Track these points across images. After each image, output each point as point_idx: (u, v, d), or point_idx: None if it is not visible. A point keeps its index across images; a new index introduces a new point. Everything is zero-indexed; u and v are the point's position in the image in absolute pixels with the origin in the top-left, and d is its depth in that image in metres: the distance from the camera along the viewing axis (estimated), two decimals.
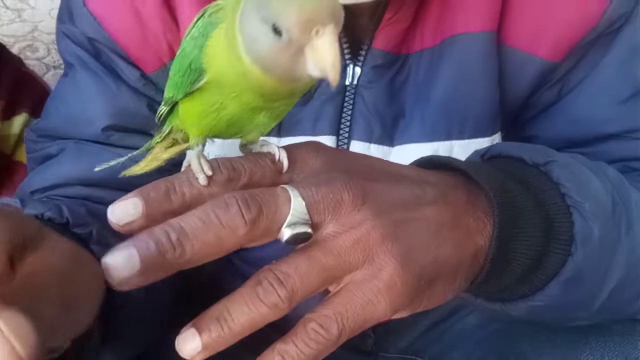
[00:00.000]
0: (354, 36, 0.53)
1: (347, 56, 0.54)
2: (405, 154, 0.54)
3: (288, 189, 0.31)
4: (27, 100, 0.77)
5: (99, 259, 0.29)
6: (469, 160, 0.43)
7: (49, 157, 0.57)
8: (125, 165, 0.41)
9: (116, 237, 0.45)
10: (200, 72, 0.32)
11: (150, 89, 0.55)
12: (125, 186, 0.53)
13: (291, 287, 0.29)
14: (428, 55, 0.53)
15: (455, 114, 0.54)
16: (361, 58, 0.54)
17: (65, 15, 0.57)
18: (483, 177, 0.36)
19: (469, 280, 0.35)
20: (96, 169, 0.42)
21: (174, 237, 0.28)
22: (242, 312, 0.29)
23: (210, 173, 0.31)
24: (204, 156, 0.32)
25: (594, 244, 0.37)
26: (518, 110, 0.58)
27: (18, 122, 0.76)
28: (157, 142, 0.40)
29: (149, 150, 0.41)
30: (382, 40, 0.53)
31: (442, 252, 0.33)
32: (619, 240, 0.39)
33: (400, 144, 0.55)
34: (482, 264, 0.35)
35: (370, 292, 0.30)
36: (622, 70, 0.54)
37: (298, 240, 0.30)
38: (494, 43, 0.53)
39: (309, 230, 0.30)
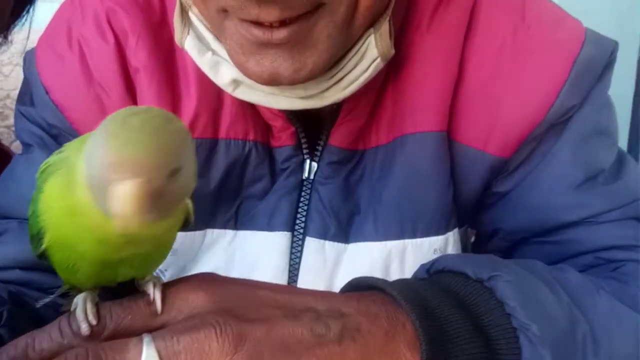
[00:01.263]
0: (311, 131, 0.55)
1: (304, 151, 0.55)
2: (360, 252, 0.54)
3: (144, 339, 0.29)
4: None
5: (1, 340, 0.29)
6: (413, 276, 0.42)
7: None
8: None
9: (28, 320, 0.45)
10: (40, 236, 0.31)
11: None
12: None
13: None
14: (382, 152, 0.55)
15: (408, 213, 0.54)
16: (318, 153, 0.55)
17: (27, 98, 0.58)
18: (410, 302, 0.34)
19: None
20: (38, 305, 0.39)
21: None
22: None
23: (84, 325, 0.30)
24: (88, 300, 0.31)
25: None
26: (475, 205, 0.59)
27: None
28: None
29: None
30: (338, 137, 0.54)
31: None
32: None
33: (355, 241, 0.55)
34: None
35: None
36: (574, 156, 0.54)
37: None
38: (444, 142, 0.54)
39: None
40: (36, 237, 0.31)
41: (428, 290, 0.37)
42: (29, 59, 0.57)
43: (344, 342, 0.31)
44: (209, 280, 0.34)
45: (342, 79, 0.48)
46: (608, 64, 0.55)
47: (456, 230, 0.57)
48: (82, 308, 0.31)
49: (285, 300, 0.33)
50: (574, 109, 0.54)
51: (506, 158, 0.55)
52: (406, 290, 0.36)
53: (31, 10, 0.77)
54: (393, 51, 0.49)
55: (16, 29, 0.77)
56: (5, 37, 0.77)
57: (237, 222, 0.55)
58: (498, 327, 0.35)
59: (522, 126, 0.54)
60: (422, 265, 0.42)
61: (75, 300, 0.32)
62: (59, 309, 0.38)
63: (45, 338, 0.31)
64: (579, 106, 0.54)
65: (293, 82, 0.44)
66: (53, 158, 0.32)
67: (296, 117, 0.54)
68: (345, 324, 0.32)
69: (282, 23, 0.41)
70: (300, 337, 0.31)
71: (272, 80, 0.44)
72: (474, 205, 0.59)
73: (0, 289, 0.49)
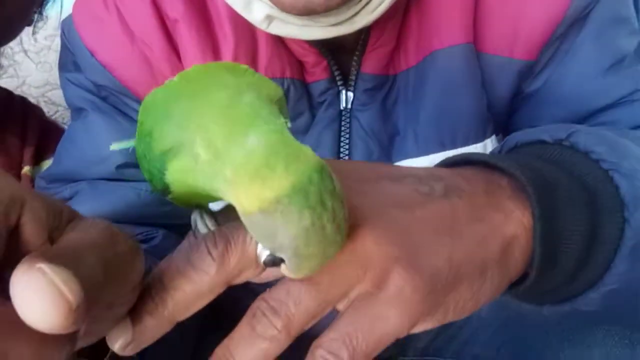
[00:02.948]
0: (342, 62, 0.56)
1: (339, 82, 0.57)
2: None
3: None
4: (53, 145, 0.81)
5: None
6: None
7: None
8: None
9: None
10: (166, 189, 0.29)
11: None
12: (146, 219, 0.57)
13: (285, 314, 0.27)
14: (413, 73, 0.56)
15: (445, 126, 0.56)
16: (352, 83, 0.57)
17: (70, 65, 0.60)
18: (505, 162, 0.33)
19: (506, 278, 0.31)
20: (111, 147, 0.37)
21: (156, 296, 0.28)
22: (243, 352, 0.28)
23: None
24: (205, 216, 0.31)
25: None
26: (507, 111, 0.61)
27: (47, 166, 0.81)
28: None
29: None
30: (370, 64, 0.56)
31: (457, 250, 0.29)
32: None
33: (398, 160, 0.58)
34: (522, 256, 0.31)
35: (377, 305, 0.27)
36: (598, 44, 0.55)
37: (277, 260, 0.27)
38: (472, 53, 0.55)
39: None
40: (159, 186, 0.30)
41: (512, 156, 0.37)
42: (68, 26, 0.58)
43: (451, 198, 0.31)
44: None
45: (369, 1, 0.49)
46: None
47: (493, 137, 0.59)
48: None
49: (381, 171, 0.33)
50: (592, 3, 0.54)
51: (532, 61, 0.56)
52: (494, 157, 0.35)
53: None
54: None
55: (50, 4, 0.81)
56: (41, 13, 0.80)
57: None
58: (588, 174, 0.34)
59: (545, 28, 0.55)
60: (492, 151, 0.42)
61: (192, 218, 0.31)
62: None
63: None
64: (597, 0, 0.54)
65: (327, 8, 0.45)
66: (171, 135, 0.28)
67: (327, 50, 0.55)
68: (447, 184, 0.32)
69: None
70: (409, 195, 0.31)
71: (307, 10, 0.44)
72: (507, 111, 0.60)
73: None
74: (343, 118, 0.58)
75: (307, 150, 0.26)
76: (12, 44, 0.79)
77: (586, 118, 0.57)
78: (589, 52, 0.55)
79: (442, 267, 0.29)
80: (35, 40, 0.91)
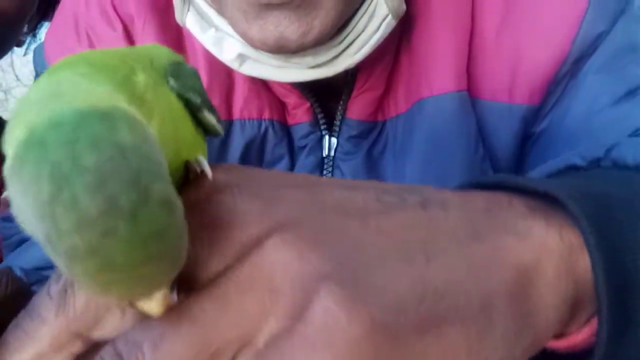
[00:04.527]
0: (328, 106, 0.52)
1: (322, 127, 0.52)
2: None
3: None
4: None
5: None
6: None
7: (24, 241, 0.56)
8: None
9: None
10: None
11: None
12: None
13: None
14: (403, 121, 0.52)
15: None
16: (336, 128, 0.52)
17: None
18: (517, 179, 0.25)
19: (529, 329, 0.21)
20: None
21: None
22: None
23: None
24: None
25: None
26: (514, 160, 0.54)
27: None
28: None
29: None
30: (356, 110, 0.51)
31: (438, 273, 0.19)
32: None
33: None
34: (553, 295, 0.22)
35: (293, 350, 0.18)
36: (608, 73, 0.48)
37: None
38: (465, 101, 0.50)
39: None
40: None
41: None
42: (39, 53, 0.56)
43: (431, 209, 0.22)
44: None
45: (352, 43, 0.45)
46: None
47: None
48: None
49: (336, 181, 0.25)
50: (602, 36, 0.48)
51: (536, 105, 0.51)
52: (501, 176, 0.27)
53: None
54: (404, 7, 0.45)
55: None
56: (34, 35, 0.78)
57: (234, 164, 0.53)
58: None
59: (546, 67, 0.49)
60: None
61: None
62: None
63: None
64: (609, 31, 0.48)
65: (301, 46, 0.41)
66: None
67: (310, 92, 0.51)
68: (427, 197, 0.23)
69: None
70: (364, 203, 0.22)
71: (278, 47, 0.41)
72: (513, 161, 0.54)
73: None
74: (325, 167, 0.53)
75: (99, 92, 0.18)
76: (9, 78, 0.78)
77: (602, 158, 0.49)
78: (598, 82, 0.49)
79: (408, 295, 0.19)
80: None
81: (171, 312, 0.19)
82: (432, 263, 0.20)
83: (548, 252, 0.22)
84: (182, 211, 0.18)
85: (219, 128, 0.26)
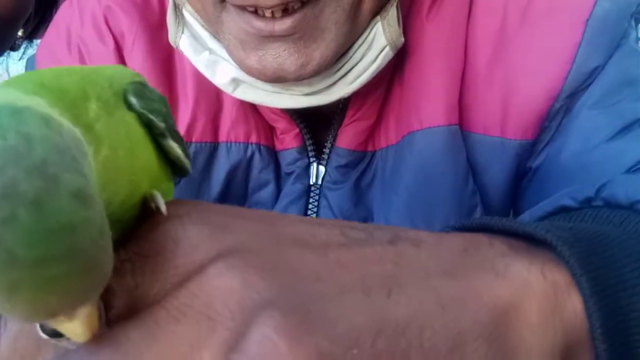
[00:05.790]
0: (318, 133, 0.51)
1: (310, 154, 0.51)
2: None
3: None
4: None
5: None
6: None
7: None
8: None
9: None
10: None
11: None
12: None
13: None
14: (393, 152, 0.50)
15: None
16: (325, 157, 0.51)
17: None
18: (499, 220, 0.24)
19: None
20: None
21: None
22: None
23: None
24: None
25: None
26: (507, 196, 0.53)
27: None
28: None
29: None
30: (346, 139, 0.50)
31: (400, 308, 0.18)
32: None
33: None
34: (538, 339, 0.20)
35: None
36: (603, 108, 0.47)
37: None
38: (455, 136, 0.49)
39: None
40: None
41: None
42: (30, 64, 0.56)
43: (400, 245, 0.20)
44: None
45: (348, 72, 0.44)
46: (636, 14, 0.48)
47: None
48: None
49: (298, 217, 0.23)
50: (597, 71, 0.47)
51: (529, 140, 0.49)
52: (482, 219, 0.25)
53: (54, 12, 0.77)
54: (402, 39, 0.44)
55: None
56: (31, 40, 0.77)
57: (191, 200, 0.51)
58: None
59: (539, 102, 0.48)
60: None
61: None
62: None
63: None
64: (603, 65, 0.47)
65: (299, 77, 0.40)
66: None
67: (300, 118, 0.50)
68: (398, 233, 0.21)
69: (285, 12, 0.38)
70: (326, 236, 0.20)
71: (276, 78, 0.40)
72: (507, 197, 0.53)
73: None
74: (312, 195, 0.51)
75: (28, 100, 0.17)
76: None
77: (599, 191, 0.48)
78: (593, 118, 0.47)
79: (363, 328, 0.17)
80: None
81: (92, 338, 0.17)
82: (394, 297, 0.18)
83: (529, 291, 0.20)
84: (103, 211, 0.16)
85: (186, 161, 0.24)
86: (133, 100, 0.22)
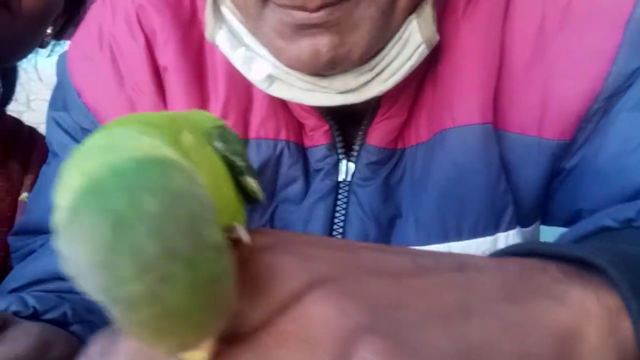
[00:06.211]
0: (347, 130, 0.51)
1: (339, 150, 0.51)
2: None
3: None
4: None
5: (80, 338, 0.24)
6: None
7: (31, 254, 0.56)
8: None
9: (92, 312, 0.43)
10: None
11: None
12: None
13: None
14: (423, 150, 0.50)
15: (449, 214, 0.49)
16: (355, 153, 0.51)
17: (59, 103, 0.57)
18: (550, 246, 0.26)
19: None
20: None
21: None
22: None
23: None
24: None
25: None
26: (541, 196, 0.53)
27: None
28: None
29: None
30: (377, 136, 0.50)
31: (475, 333, 0.20)
32: None
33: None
34: None
35: None
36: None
37: None
38: (489, 135, 0.49)
39: None
40: None
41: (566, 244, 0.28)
42: (62, 61, 0.56)
43: (467, 272, 0.23)
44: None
45: (383, 70, 0.44)
46: None
47: (511, 231, 0.51)
48: None
49: (370, 244, 0.25)
50: (637, 73, 0.47)
51: (566, 141, 0.49)
52: (532, 244, 0.27)
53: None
54: (437, 37, 0.44)
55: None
56: (59, 39, 0.78)
57: (272, 229, 0.52)
58: None
59: (578, 102, 0.48)
60: None
61: None
62: None
63: None
64: None
65: (332, 61, 0.40)
66: None
67: (330, 115, 0.50)
68: (462, 260, 0.24)
69: (323, 7, 0.38)
70: (399, 264, 0.23)
71: (311, 62, 0.40)
72: (541, 197, 0.52)
73: (49, 294, 0.49)
74: (341, 191, 0.51)
75: (152, 142, 0.19)
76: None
77: (634, 196, 0.47)
78: (632, 120, 0.47)
79: (449, 351, 0.19)
80: None
81: None
82: (467, 322, 0.20)
83: (587, 316, 0.22)
84: (231, 258, 0.18)
85: (260, 194, 0.28)
86: (219, 145, 0.25)
